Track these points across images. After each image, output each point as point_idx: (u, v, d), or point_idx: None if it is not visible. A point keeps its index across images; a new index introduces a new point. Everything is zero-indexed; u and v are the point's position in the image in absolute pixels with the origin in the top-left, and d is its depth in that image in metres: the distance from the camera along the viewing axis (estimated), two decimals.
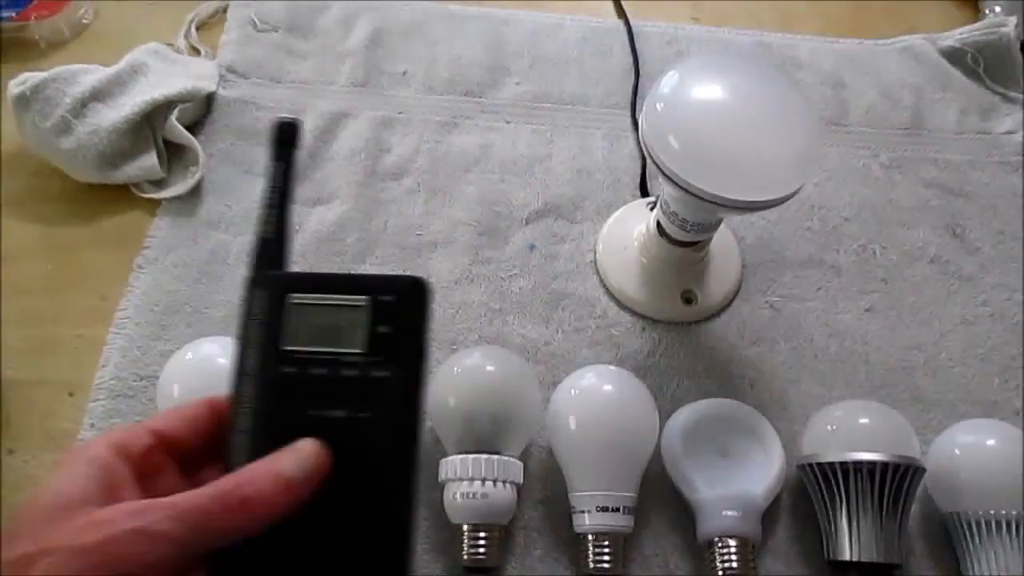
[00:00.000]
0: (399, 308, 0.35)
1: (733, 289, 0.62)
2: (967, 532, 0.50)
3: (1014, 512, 0.49)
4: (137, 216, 0.64)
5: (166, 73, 0.69)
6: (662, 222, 0.58)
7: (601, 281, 0.62)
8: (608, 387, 0.52)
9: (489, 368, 0.52)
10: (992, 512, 0.49)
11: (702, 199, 0.49)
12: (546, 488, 0.53)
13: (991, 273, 0.65)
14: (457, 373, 0.52)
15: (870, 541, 0.48)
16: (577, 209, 0.66)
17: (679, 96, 0.50)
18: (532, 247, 0.63)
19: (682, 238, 0.58)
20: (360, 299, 0.35)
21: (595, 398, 0.52)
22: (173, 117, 0.65)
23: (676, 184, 0.49)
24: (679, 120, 0.49)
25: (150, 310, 0.59)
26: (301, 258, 0.62)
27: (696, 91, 0.50)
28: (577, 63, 0.75)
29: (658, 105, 0.50)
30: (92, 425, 0.54)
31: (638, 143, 0.70)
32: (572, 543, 0.51)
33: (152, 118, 0.66)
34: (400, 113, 0.71)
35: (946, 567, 0.52)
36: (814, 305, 0.62)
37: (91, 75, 0.66)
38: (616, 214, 0.65)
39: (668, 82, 0.51)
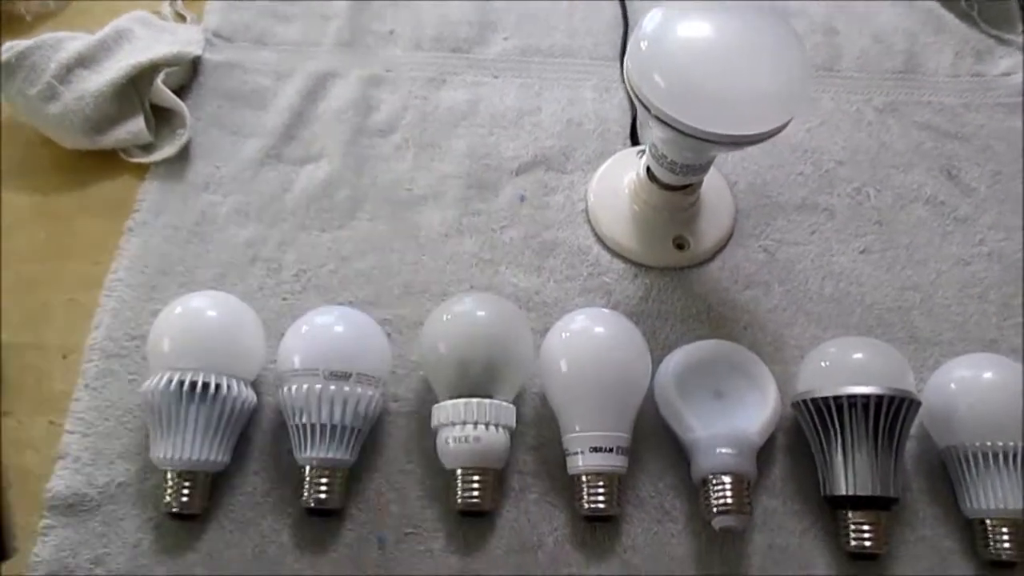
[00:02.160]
0: None
1: (726, 234, 0.62)
2: (964, 465, 0.50)
3: (1011, 443, 0.49)
4: (126, 181, 0.64)
5: (151, 39, 0.69)
6: (652, 167, 0.58)
7: (592, 229, 0.62)
8: (599, 329, 0.51)
9: (480, 313, 0.52)
10: (989, 444, 0.49)
11: (690, 136, 0.48)
12: (540, 434, 0.53)
13: (987, 213, 0.65)
14: (447, 320, 0.51)
15: (866, 475, 0.48)
16: (567, 160, 0.65)
17: (663, 33, 0.49)
18: (522, 198, 0.63)
19: (672, 182, 0.57)
20: None
21: (586, 340, 0.51)
22: (159, 80, 0.65)
23: (663, 122, 0.48)
24: (664, 57, 0.49)
25: (141, 272, 0.59)
26: (291, 215, 0.62)
27: (680, 28, 0.50)
28: (565, 16, 0.75)
29: (642, 43, 0.49)
30: (86, 386, 0.54)
31: (627, 93, 0.69)
32: (567, 487, 0.51)
33: (138, 83, 0.66)
34: (388, 71, 0.70)
35: (944, 503, 0.52)
36: (808, 248, 0.62)
37: (76, 41, 0.66)
38: (607, 163, 0.65)
39: (652, 20, 0.50)
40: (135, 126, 0.64)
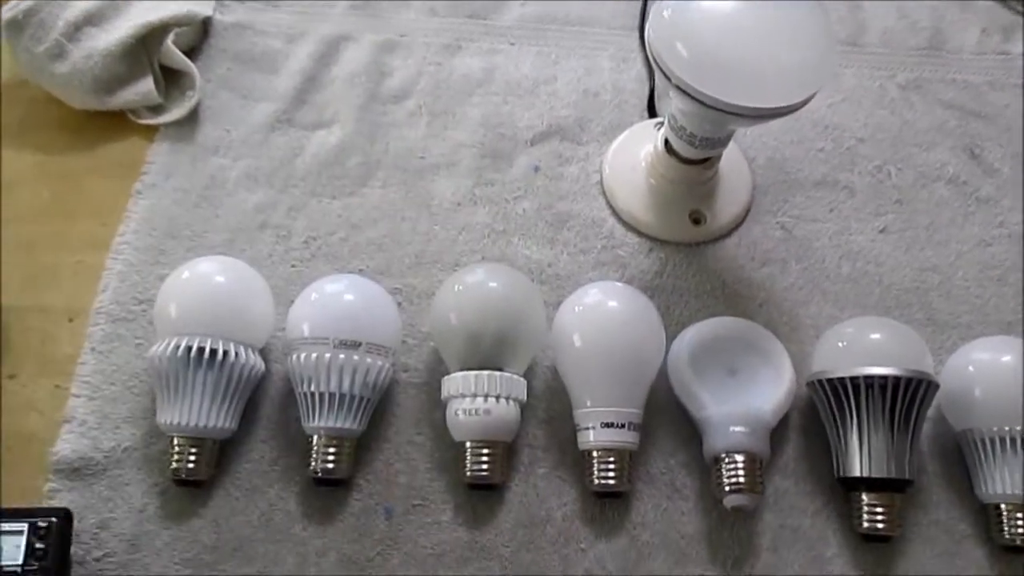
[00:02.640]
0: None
1: (743, 210, 0.61)
2: (980, 449, 0.49)
3: None
4: (135, 142, 0.63)
5: None
6: (670, 139, 0.56)
7: (608, 202, 0.61)
8: (613, 303, 0.51)
9: (492, 285, 0.51)
10: (1007, 429, 0.48)
11: (711, 107, 0.47)
12: (551, 408, 0.53)
13: (1009, 195, 0.63)
14: (458, 291, 0.51)
15: (881, 456, 0.47)
16: (583, 131, 0.64)
17: (687, 2, 0.48)
18: (536, 168, 0.62)
19: (691, 155, 0.56)
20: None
21: (600, 314, 0.50)
22: (169, 41, 0.64)
23: (684, 93, 0.47)
24: (687, 26, 0.48)
25: (149, 235, 0.58)
26: (302, 181, 0.61)
27: None
28: None
29: (665, 12, 0.48)
30: (92, 349, 0.54)
31: (646, 64, 0.68)
32: (577, 462, 0.50)
33: (148, 42, 0.64)
34: (402, 36, 0.69)
35: (959, 486, 0.51)
36: (827, 226, 0.61)
37: None
38: (623, 135, 0.63)
39: None
40: (144, 87, 0.63)
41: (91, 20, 0.63)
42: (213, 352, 0.48)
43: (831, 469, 0.50)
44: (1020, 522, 0.48)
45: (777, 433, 0.51)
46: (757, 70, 0.47)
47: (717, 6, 0.48)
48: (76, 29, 0.62)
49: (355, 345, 0.48)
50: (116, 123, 0.63)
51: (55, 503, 0.48)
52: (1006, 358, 0.51)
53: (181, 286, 0.50)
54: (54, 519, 0.45)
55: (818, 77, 0.48)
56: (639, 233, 0.59)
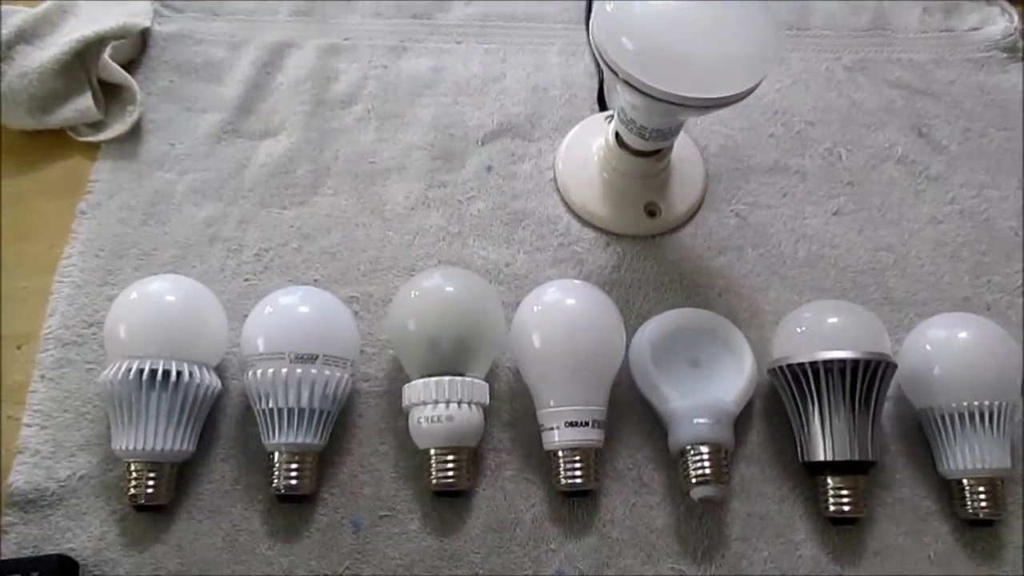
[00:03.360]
0: None
1: (698, 199, 0.61)
2: (941, 426, 0.50)
3: (986, 403, 0.48)
4: (78, 161, 0.61)
5: (98, 10, 0.66)
6: (621, 132, 0.56)
7: (562, 198, 0.60)
8: (571, 300, 0.50)
9: (448, 289, 0.50)
10: (965, 404, 0.49)
11: (659, 100, 0.47)
12: (514, 410, 0.52)
13: (959, 171, 0.64)
14: (415, 296, 0.50)
15: (843, 439, 0.48)
16: (534, 127, 0.64)
17: None
18: (489, 168, 0.61)
19: (642, 147, 0.56)
20: None
21: (558, 312, 0.50)
22: (106, 55, 0.62)
23: (632, 87, 0.47)
24: (631, 19, 0.47)
25: (95, 256, 0.57)
26: (251, 192, 0.60)
27: None
28: None
29: (608, 5, 0.48)
30: (43, 376, 0.52)
31: (594, 57, 0.67)
32: (544, 462, 0.50)
33: (85, 58, 0.63)
34: (346, 40, 0.68)
35: (922, 464, 0.52)
36: (781, 211, 0.61)
37: (17, 15, 0.63)
38: (574, 130, 0.63)
39: None
40: (83, 103, 0.61)
41: (24, 38, 0.61)
42: (166, 373, 0.47)
43: (796, 454, 0.50)
44: (983, 496, 0.49)
45: (741, 420, 0.51)
46: (703, 60, 0.47)
47: None
48: (8, 48, 0.61)
49: (312, 358, 0.48)
50: (57, 142, 0.62)
51: (11, 537, 0.47)
52: (962, 334, 0.51)
53: (130, 307, 0.49)
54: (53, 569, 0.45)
55: (764, 64, 0.48)
56: (595, 228, 0.59)
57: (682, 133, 0.60)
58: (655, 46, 0.46)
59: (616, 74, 0.47)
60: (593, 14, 0.49)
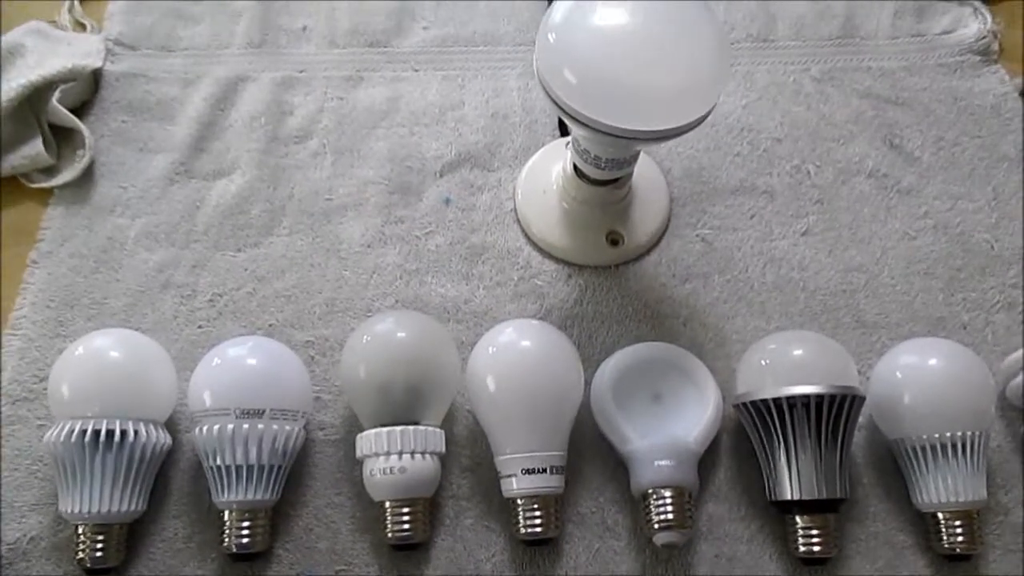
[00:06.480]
0: None
1: (661, 226, 0.59)
2: (914, 458, 0.48)
3: (959, 433, 0.47)
4: (29, 208, 0.60)
5: (46, 53, 0.64)
6: (577, 162, 0.55)
7: (522, 230, 0.59)
8: (526, 343, 0.49)
9: (400, 335, 0.49)
10: (937, 436, 0.47)
11: (608, 134, 0.45)
12: (474, 454, 0.51)
13: (932, 183, 0.62)
14: (367, 342, 0.49)
15: (811, 478, 0.46)
16: (493, 156, 0.62)
17: (573, 24, 0.46)
18: (447, 200, 0.60)
19: (599, 177, 0.55)
20: None
21: (513, 355, 0.49)
22: (54, 99, 0.61)
23: (578, 121, 0.45)
24: (574, 51, 0.45)
25: (47, 306, 0.55)
26: (204, 236, 0.58)
27: (592, 17, 0.46)
28: (486, 0, 0.71)
29: (550, 36, 0.46)
30: None
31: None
32: (505, 508, 0.49)
33: (34, 102, 0.62)
34: (301, 72, 0.66)
35: (897, 495, 0.50)
36: (748, 234, 0.59)
37: None
38: (534, 158, 0.61)
39: (560, 9, 0.47)
40: (32, 149, 0.60)
41: None
42: (111, 433, 0.46)
43: (764, 490, 0.49)
44: (959, 530, 0.47)
45: (708, 456, 0.50)
46: (649, 92, 0.45)
47: (603, 26, 0.46)
48: None
49: (258, 413, 0.46)
50: (8, 189, 0.60)
51: None
52: (932, 361, 0.49)
53: (73, 364, 0.48)
54: None
55: (713, 92, 0.46)
56: (556, 260, 0.58)
57: (644, 156, 0.58)
58: (598, 78, 0.45)
59: (562, 108, 0.46)
60: (536, 45, 0.47)
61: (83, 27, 0.70)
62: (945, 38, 0.71)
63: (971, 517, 0.47)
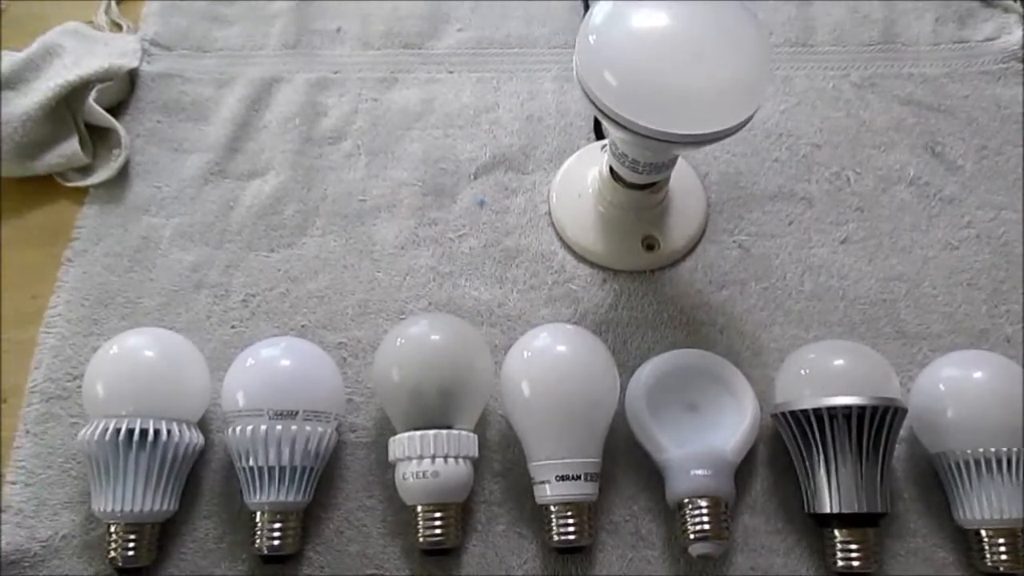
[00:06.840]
0: None
1: (698, 231, 0.58)
2: (956, 473, 0.47)
3: (1004, 449, 0.46)
4: (65, 207, 0.60)
5: (83, 53, 0.65)
6: (614, 166, 0.54)
7: (557, 234, 0.58)
8: (562, 347, 0.48)
9: (434, 338, 0.49)
10: (981, 451, 0.46)
11: (648, 137, 0.44)
12: (507, 459, 0.50)
13: (974, 192, 0.61)
14: (400, 345, 0.48)
15: (851, 491, 0.45)
16: (528, 159, 0.62)
17: (614, 26, 0.45)
18: (482, 203, 0.60)
19: (637, 180, 0.54)
20: None
21: (548, 360, 0.48)
22: (91, 99, 0.61)
23: (618, 124, 0.45)
24: (614, 52, 0.45)
25: (81, 305, 0.56)
26: (238, 236, 0.58)
27: (633, 19, 0.46)
28: (521, 2, 0.70)
29: (591, 38, 0.46)
30: (27, 431, 0.51)
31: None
32: (537, 514, 0.48)
33: (71, 101, 0.62)
34: (336, 73, 0.66)
35: (936, 511, 0.49)
36: (786, 241, 0.58)
37: (1, 61, 0.62)
38: (569, 161, 0.61)
39: (601, 11, 0.46)
40: (69, 148, 0.60)
41: (8, 84, 0.61)
42: (144, 432, 0.46)
43: (802, 502, 0.48)
44: (1003, 547, 0.46)
45: (744, 466, 0.49)
46: (691, 94, 0.44)
47: (644, 28, 0.45)
48: None
49: (292, 414, 0.46)
50: (44, 188, 0.61)
51: None
52: (977, 374, 0.48)
53: (108, 363, 0.48)
54: None
55: (756, 95, 0.45)
56: (591, 264, 0.57)
57: (681, 161, 0.58)
58: (639, 80, 0.44)
59: (601, 111, 0.45)
60: (577, 47, 0.47)
61: (119, 28, 0.70)
62: (988, 45, 0.69)
63: (1015, 535, 0.46)
